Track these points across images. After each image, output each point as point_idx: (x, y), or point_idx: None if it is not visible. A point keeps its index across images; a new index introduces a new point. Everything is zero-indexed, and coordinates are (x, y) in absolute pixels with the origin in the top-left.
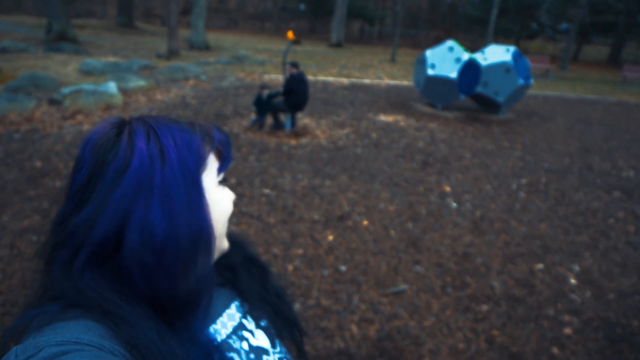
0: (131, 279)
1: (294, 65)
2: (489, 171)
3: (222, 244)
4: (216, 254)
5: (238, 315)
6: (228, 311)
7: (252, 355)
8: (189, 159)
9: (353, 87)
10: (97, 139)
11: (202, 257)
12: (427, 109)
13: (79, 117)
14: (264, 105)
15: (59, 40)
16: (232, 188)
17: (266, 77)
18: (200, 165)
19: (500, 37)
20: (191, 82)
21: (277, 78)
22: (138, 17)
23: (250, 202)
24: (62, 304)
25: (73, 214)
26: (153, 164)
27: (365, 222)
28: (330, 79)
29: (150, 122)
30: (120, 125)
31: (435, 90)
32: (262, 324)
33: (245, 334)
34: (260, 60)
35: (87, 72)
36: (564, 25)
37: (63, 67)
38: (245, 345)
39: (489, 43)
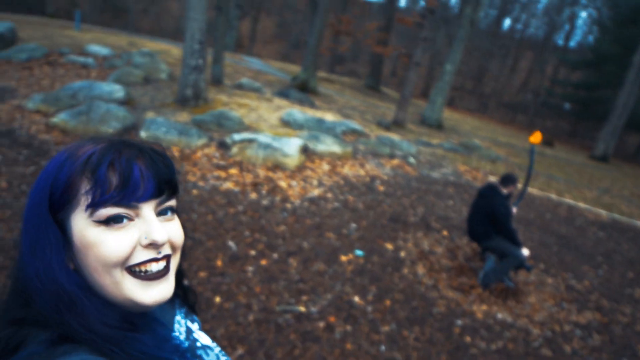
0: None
1: (509, 180)
2: None
3: (114, 291)
4: (119, 301)
5: (184, 321)
6: (177, 318)
7: (204, 352)
8: (40, 198)
9: (614, 228)
10: None
11: (71, 312)
12: None
13: (233, 171)
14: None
15: (301, 88)
16: None
17: (491, 179)
18: (59, 204)
19: None
20: (395, 161)
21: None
22: (393, 86)
23: None
24: (49, 341)
25: None
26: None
27: None
28: (582, 205)
29: (66, 146)
30: None
31: None
32: (199, 326)
33: (195, 335)
34: (494, 156)
35: (286, 123)
36: None
37: (270, 112)
38: (198, 344)
39: None
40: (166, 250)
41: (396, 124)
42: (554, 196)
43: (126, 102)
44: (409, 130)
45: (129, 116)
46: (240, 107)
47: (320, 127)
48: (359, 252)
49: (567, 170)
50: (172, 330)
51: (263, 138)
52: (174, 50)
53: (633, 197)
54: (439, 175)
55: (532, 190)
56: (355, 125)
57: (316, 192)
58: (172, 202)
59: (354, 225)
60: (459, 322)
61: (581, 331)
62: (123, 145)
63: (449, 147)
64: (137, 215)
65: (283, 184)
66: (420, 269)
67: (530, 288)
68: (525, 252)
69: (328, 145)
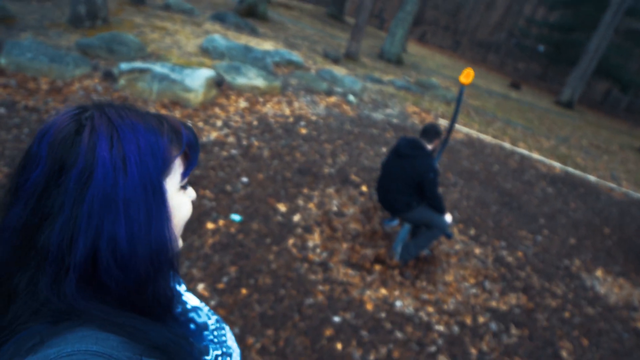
0: (111, 293)
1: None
2: None
3: (177, 246)
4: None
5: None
6: None
7: (196, 313)
8: (152, 167)
9: (566, 183)
10: (55, 134)
11: (163, 273)
12: None
13: None
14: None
15: (247, 13)
16: None
17: (441, 123)
18: (163, 171)
19: None
20: (333, 99)
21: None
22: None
23: None
24: (50, 321)
25: (36, 223)
26: (116, 176)
27: None
28: (535, 156)
29: (114, 120)
30: (81, 118)
31: None
32: (185, 287)
33: (184, 298)
34: (450, 97)
35: (205, 51)
36: None
37: (190, 39)
38: (189, 307)
39: None
40: None
41: (348, 57)
42: (507, 144)
43: (0, 20)
44: (361, 64)
45: None
46: (154, 31)
47: (246, 56)
48: (235, 217)
49: (528, 115)
50: None
51: (159, 68)
52: None
53: (591, 148)
54: (381, 117)
55: (485, 137)
56: (292, 55)
57: (214, 135)
58: None
59: (244, 179)
60: (336, 319)
61: (497, 324)
62: (177, 122)
63: (401, 85)
64: None
65: (192, 119)
66: (315, 239)
67: (452, 261)
68: (449, 218)
69: (250, 78)
